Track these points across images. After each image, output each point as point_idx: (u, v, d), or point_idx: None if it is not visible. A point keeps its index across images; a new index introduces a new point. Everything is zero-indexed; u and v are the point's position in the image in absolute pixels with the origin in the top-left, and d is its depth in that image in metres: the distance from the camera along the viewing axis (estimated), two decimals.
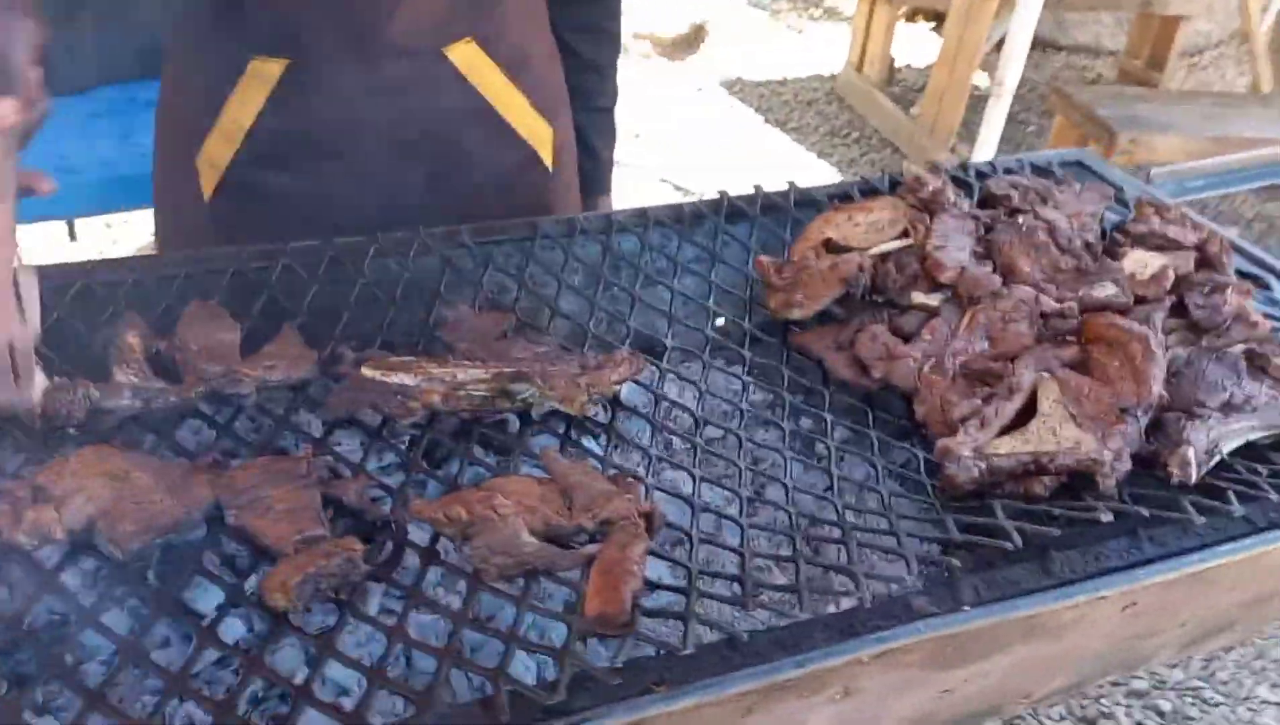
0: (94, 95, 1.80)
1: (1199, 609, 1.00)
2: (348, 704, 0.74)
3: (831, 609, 0.84)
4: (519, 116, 1.33)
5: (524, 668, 0.82)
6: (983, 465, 0.96)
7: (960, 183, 1.38)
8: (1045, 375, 1.04)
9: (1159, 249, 1.23)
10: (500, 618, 0.84)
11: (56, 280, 1.02)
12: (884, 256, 1.19)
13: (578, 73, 1.45)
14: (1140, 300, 1.15)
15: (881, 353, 1.10)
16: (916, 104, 4.44)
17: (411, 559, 0.83)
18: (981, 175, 1.39)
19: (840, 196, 1.33)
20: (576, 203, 1.52)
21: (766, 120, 4.54)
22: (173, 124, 1.31)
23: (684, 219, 1.25)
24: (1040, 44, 4.94)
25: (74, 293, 1.03)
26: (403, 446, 0.96)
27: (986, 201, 1.33)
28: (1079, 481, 0.97)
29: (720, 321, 1.18)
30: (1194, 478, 0.97)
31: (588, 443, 0.99)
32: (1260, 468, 1.01)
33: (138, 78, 1.85)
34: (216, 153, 1.24)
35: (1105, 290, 1.15)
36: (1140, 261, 1.21)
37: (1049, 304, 1.12)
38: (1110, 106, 3.51)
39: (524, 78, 1.32)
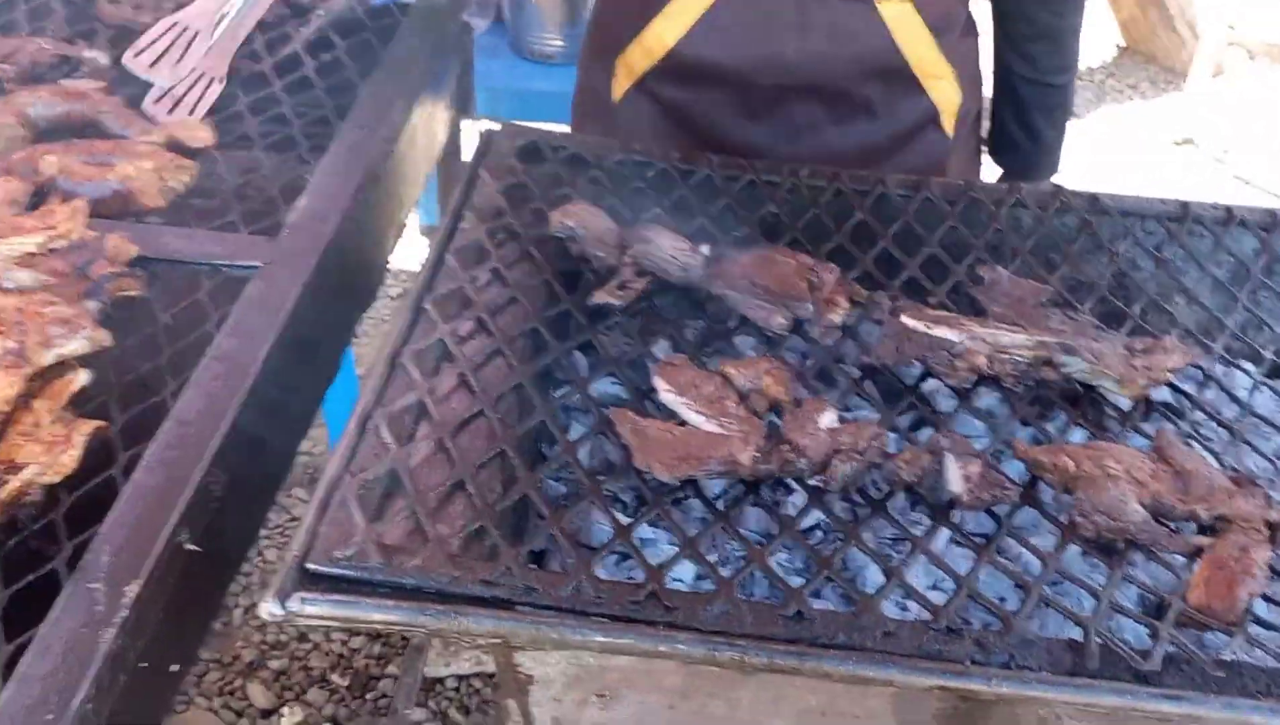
0: None
1: None
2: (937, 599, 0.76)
3: None
4: (932, 78, 1.31)
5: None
6: None
7: None
8: None
9: None
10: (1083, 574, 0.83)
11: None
12: None
13: (1028, 40, 1.37)
14: None
15: None
16: None
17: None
18: None
19: None
20: (975, 177, 1.45)
21: None
22: (601, 31, 1.42)
23: None
24: None
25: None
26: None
27: None
28: None
29: None
30: None
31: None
32: None
33: None
34: (635, 61, 1.33)
35: None
36: None
37: None
38: None
39: (944, 42, 1.30)
